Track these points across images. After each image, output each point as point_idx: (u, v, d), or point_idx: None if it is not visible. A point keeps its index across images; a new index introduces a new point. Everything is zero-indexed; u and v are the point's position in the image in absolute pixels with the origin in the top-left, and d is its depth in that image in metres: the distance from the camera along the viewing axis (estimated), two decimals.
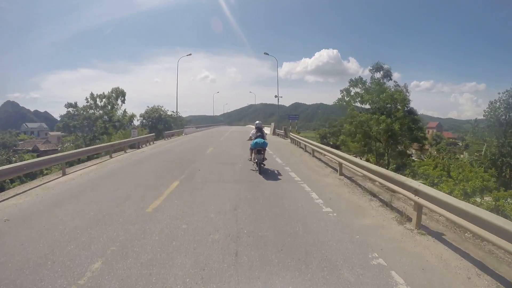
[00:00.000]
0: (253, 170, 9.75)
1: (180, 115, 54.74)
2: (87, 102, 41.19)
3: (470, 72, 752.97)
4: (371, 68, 30.36)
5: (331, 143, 40.53)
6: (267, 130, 21.53)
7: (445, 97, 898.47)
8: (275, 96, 39.74)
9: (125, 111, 43.35)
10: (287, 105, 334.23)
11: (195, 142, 22.03)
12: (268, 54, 42.69)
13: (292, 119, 34.19)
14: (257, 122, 10.93)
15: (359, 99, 27.52)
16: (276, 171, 9.82)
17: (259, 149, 9.53)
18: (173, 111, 52.36)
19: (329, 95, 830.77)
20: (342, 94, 29.05)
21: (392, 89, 27.95)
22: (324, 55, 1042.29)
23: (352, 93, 28.10)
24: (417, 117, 27.93)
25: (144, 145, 19.07)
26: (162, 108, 49.93)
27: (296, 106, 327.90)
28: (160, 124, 45.71)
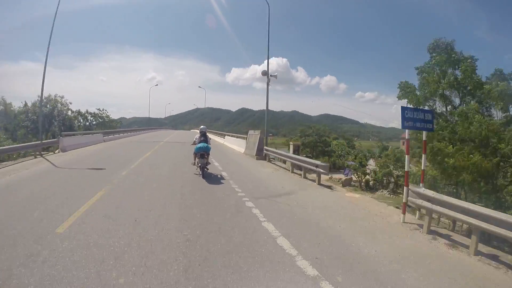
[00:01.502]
0: (196, 174, 9.84)
1: (108, 114, 49.32)
2: None
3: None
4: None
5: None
6: (233, 142, 22.53)
7: (388, 108, 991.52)
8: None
9: None
10: (234, 110, 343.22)
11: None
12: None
13: None
14: (201, 127, 11.12)
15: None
16: (219, 175, 10.08)
17: (202, 153, 9.70)
18: (99, 109, 48.17)
19: (276, 102, 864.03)
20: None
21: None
22: (273, 63, 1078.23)
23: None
24: None
25: None
26: (62, 100, 38.86)
27: (243, 111, 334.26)
28: (53, 124, 35.71)
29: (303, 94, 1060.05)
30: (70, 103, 40.09)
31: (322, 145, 50.31)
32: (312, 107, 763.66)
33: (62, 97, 39.18)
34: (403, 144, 74.88)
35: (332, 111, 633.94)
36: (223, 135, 29.66)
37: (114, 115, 44.48)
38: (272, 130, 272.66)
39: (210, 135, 11.97)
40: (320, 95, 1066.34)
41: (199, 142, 10.08)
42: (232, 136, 24.80)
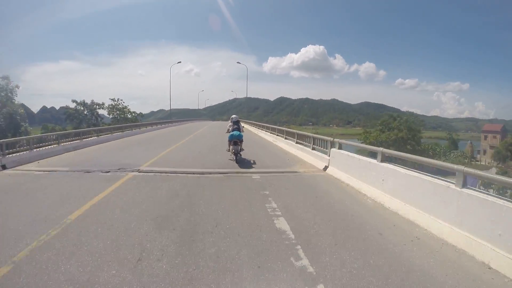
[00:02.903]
0: (231, 160, 10.39)
1: (126, 105, 49.49)
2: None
3: (455, 72, 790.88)
4: None
5: None
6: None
7: (428, 95, 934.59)
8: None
9: None
10: (272, 100, 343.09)
11: None
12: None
13: None
14: (233, 116, 11.68)
15: None
16: (252, 161, 10.49)
17: (235, 141, 10.26)
18: (113, 99, 47.83)
19: (315, 91, 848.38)
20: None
21: None
22: (310, 51, 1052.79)
23: None
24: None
25: None
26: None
27: (282, 100, 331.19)
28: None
29: (342, 81, 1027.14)
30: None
31: (414, 143, 39.52)
32: (352, 95, 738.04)
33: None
34: (485, 138, 68.09)
35: (372, 99, 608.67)
36: (263, 128, 23.27)
37: (153, 108, 44.18)
38: (312, 119, 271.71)
39: (247, 126, 12.12)
40: (359, 82, 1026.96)
41: (232, 131, 10.57)
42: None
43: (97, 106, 48.09)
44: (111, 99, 48.82)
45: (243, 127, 12.03)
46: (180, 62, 50.15)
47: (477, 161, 53.34)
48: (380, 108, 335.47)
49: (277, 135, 17.04)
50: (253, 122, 33.54)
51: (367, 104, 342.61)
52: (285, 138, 15.07)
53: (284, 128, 16.83)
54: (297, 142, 12.86)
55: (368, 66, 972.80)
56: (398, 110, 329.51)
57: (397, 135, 38.78)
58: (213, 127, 34.10)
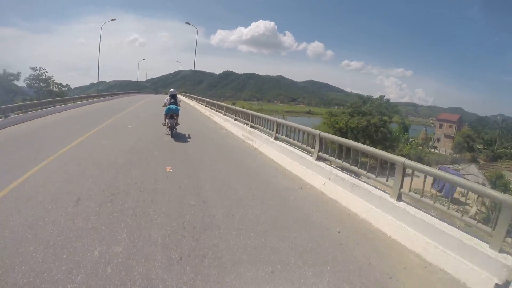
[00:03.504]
0: (166, 134, 10.23)
1: (51, 76, 41.70)
2: None
3: (400, 59, 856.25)
4: None
5: None
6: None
7: (372, 78, 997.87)
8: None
9: None
10: (217, 73, 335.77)
11: None
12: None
13: None
14: (171, 90, 11.54)
15: None
16: (187, 135, 10.49)
17: (171, 115, 10.19)
18: (34, 68, 40.09)
19: (262, 66, 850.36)
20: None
21: None
22: (260, 26, 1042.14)
23: None
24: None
25: None
26: None
27: (227, 74, 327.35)
28: None
29: (290, 59, 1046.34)
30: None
31: (386, 130, 35.38)
32: (298, 72, 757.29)
33: None
34: (440, 126, 67.83)
35: (318, 78, 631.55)
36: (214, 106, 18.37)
37: (95, 79, 38.87)
38: (257, 94, 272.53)
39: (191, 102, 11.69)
40: (306, 60, 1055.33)
41: (169, 104, 10.50)
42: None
43: (12, 78, 40.69)
44: (32, 68, 40.44)
45: (180, 101, 11.95)
46: (114, 19, 37.27)
47: (437, 150, 53.28)
48: (324, 87, 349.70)
49: (217, 111, 16.78)
50: (195, 96, 29.96)
51: (312, 83, 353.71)
52: (224, 115, 14.78)
53: (224, 104, 16.32)
54: (235, 118, 12.79)
55: (317, 46, 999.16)
56: (342, 91, 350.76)
57: (369, 121, 33.97)
58: (151, 103, 28.32)
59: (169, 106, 10.33)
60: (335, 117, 37.00)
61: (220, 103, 17.42)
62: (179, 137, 10.03)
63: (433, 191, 21.01)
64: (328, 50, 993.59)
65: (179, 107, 10.72)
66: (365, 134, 33.75)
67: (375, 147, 31.27)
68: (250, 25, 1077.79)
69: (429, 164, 35.98)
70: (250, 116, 10.73)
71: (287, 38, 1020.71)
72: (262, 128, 9.45)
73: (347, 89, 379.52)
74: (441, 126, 69.10)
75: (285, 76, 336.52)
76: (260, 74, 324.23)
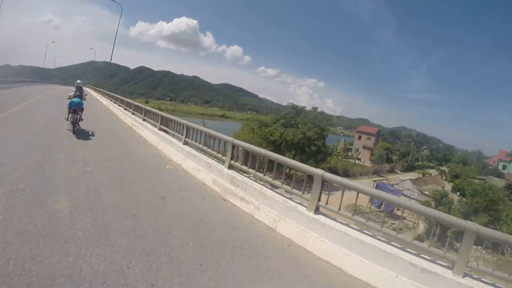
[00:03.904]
0: (68, 130, 9.48)
1: None
2: None
3: (314, 70, 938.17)
4: None
5: None
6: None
7: (286, 86, 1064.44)
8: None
9: None
10: (132, 68, 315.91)
11: None
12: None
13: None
14: (78, 81, 11.06)
15: None
16: (90, 132, 9.84)
17: (74, 109, 9.48)
18: None
19: (179, 65, 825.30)
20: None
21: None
22: (183, 22, 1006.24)
23: None
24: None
25: None
26: None
27: (142, 70, 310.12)
28: None
29: (208, 60, 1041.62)
30: None
31: (320, 144, 33.91)
32: (214, 74, 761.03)
33: None
34: (359, 138, 71.89)
35: (233, 82, 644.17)
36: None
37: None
38: (171, 94, 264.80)
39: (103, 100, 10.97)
40: (223, 63, 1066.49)
41: (74, 97, 9.86)
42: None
43: None
44: None
45: (86, 94, 11.37)
46: None
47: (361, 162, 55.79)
48: (239, 91, 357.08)
49: (125, 108, 16.22)
50: (112, 94, 24.57)
51: (227, 86, 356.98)
52: (132, 114, 14.19)
53: (132, 102, 15.28)
54: (143, 119, 12.39)
55: (236, 49, 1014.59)
56: (256, 96, 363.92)
57: (304, 134, 32.04)
58: (54, 99, 22.05)
59: (73, 99, 9.75)
60: (268, 127, 33.57)
61: (130, 101, 16.11)
62: (82, 134, 9.44)
63: (373, 207, 21.49)
64: (246, 55, 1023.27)
65: (84, 101, 10.26)
66: (298, 147, 32.44)
67: (307, 160, 30.43)
68: (172, 20, 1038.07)
69: (354, 175, 40.25)
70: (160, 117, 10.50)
71: (208, 39, 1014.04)
72: (170, 130, 9.45)
73: (261, 95, 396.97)
74: (360, 137, 74.80)
75: (201, 77, 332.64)
76: (176, 73, 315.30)
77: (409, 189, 31.13)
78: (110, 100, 21.98)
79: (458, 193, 31.67)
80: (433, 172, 57.19)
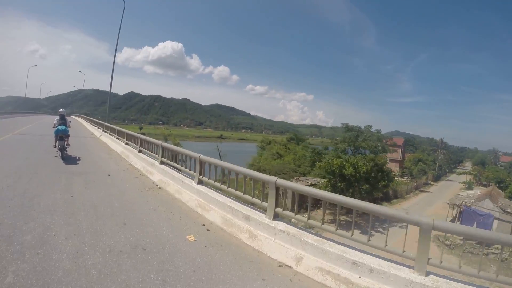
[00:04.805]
0: (57, 157, 9.89)
1: None
2: None
3: (302, 84, 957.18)
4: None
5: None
6: None
7: (275, 102, 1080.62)
8: None
9: None
10: (121, 94, 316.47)
11: None
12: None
13: None
14: (60, 110, 11.48)
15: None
16: (77, 157, 10.21)
17: (61, 136, 10.03)
18: None
19: (167, 88, 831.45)
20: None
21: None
22: (168, 47, 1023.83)
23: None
24: None
25: None
26: None
27: (132, 95, 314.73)
28: None
29: (196, 82, 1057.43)
30: None
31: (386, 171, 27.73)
32: (203, 96, 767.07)
33: None
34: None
35: (223, 102, 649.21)
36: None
37: None
38: (163, 118, 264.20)
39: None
40: (212, 84, 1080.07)
41: (58, 125, 10.38)
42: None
43: None
44: None
45: (70, 122, 11.84)
46: None
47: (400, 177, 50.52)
48: (230, 110, 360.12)
49: (110, 134, 15.50)
50: (103, 123, 19.97)
51: (218, 106, 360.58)
52: (126, 143, 12.16)
53: (122, 130, 13.41)
54: (126, 143, 12.03)
55: (223, 70, 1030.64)
56: (248, 114, 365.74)
57: (374, 161, 26.86)
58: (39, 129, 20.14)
59: (58, 127, 10.25)
60: (337, 159, 25.97)
61: (119, 128, 14.31)
62: (70, 160, 9.74)
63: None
64: (234, 74, 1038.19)
65: (68, 128, 10.73)
66: (371, 177, 25.51)
67: (374, 190, 26.83)
68: (157, 45, 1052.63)
69: (402, 196, 34.44)
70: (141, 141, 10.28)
71: (194, 61, 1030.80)
72: (149, 152, 9.28)
73: (252, 113, 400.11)
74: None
75: (191, 99, 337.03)
76: (165, 97, 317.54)
77: (491, 209, 23.65)
78: (109, 134, 16.37)
79: None
80: (452, 177, 54.85)
